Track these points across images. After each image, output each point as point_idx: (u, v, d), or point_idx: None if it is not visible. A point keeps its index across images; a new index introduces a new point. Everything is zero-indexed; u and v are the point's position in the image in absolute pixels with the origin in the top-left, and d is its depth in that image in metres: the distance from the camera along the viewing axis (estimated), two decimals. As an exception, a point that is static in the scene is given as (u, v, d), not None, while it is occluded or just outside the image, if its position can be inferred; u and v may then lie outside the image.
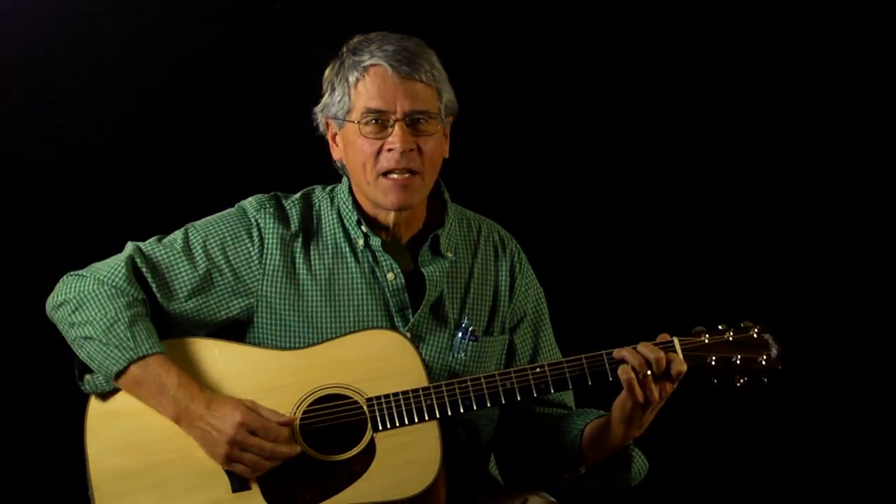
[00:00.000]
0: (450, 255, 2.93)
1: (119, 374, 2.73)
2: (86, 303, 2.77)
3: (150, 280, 2.82)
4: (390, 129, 2.80)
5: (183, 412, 2.71)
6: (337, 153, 2.91)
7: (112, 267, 2.81)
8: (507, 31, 4.03)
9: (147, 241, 2.88)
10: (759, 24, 4.02)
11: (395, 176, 2.81)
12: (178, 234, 2.89)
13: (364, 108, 2.81)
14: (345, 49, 2.88)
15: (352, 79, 2.82)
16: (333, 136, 2.91)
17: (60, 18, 3.80)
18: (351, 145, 2.85)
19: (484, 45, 4.00)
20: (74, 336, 2.77)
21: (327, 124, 2.91)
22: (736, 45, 4.03)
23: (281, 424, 2.71)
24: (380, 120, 2.80)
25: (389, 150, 2.80)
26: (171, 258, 2.85)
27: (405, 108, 2.80)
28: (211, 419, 2.70)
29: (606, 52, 4.05)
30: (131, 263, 2.81)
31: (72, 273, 2.84)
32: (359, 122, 2.81)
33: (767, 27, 4.02)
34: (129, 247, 2.86)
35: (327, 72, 2.90)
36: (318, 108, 2.91)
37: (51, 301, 2.83)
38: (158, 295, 2.82)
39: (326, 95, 2.89)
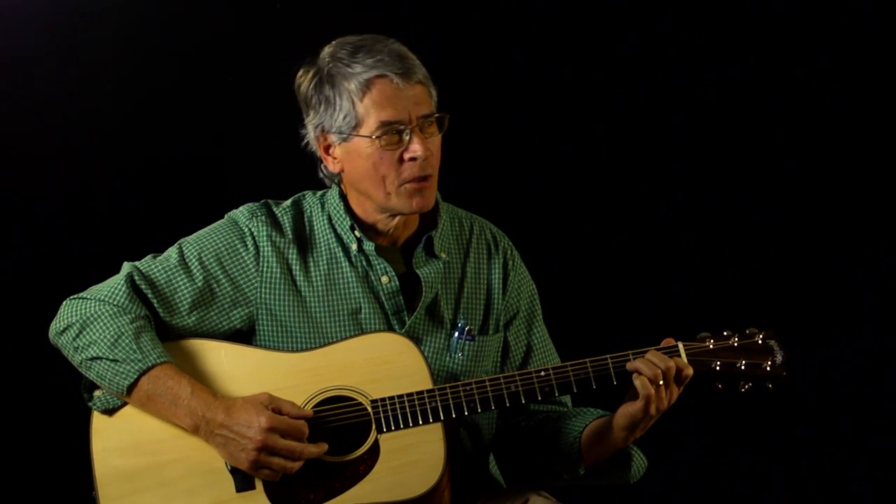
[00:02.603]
0: (443, 255, 2.94)
1: (130, 389, 2.72)
2: (90, 324, 2.77)
3: (150, 297, 2.82)
4: (406, 138, 2.80)
5: (201, 422, 2.70)
6: (335, 166, 2.88)
7: (112, 287, 2.81)
8: (499, 26, 4.03)
9: (142, 260, 2.87)
10: (759, 21, 4.03)
11: (416, 182, 2.81)
12: (172, 251, 2.89)
13: (378, 122, 2.79)
14: (327, 60, 2.83)
15: (354, 91, 2.79)
16: (327, 149, 2.87)
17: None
18: (364, 159, 2.82)
19: (477, 41, 4.00)
20: (81, 359, 2.77)
21: (320, 139, 2.87)
22: (739, 43, 4.04)
23: (302, 419, 2.70)
24: (396, 131, 2.80)
25: (412, 158, 2.80)
26: (169, 274, 2.84)
27: (416, 114, 2.80)
28: (235, 427, 2.68)
29: (607, 44, 4.05)
30: (130, 282, 2.81)
31: (73, 297, 2.84)
32: (374, 136, 2.80)
33: (769, 25, 4.03)
34: (126, 266, 2.86)
35: (308, 85, 2.85)
36: (310, 124, 2.87)
37: (54, 327, 2.82)
38: (160, 311, 2.82)
39: (320, 110, 2.83)
